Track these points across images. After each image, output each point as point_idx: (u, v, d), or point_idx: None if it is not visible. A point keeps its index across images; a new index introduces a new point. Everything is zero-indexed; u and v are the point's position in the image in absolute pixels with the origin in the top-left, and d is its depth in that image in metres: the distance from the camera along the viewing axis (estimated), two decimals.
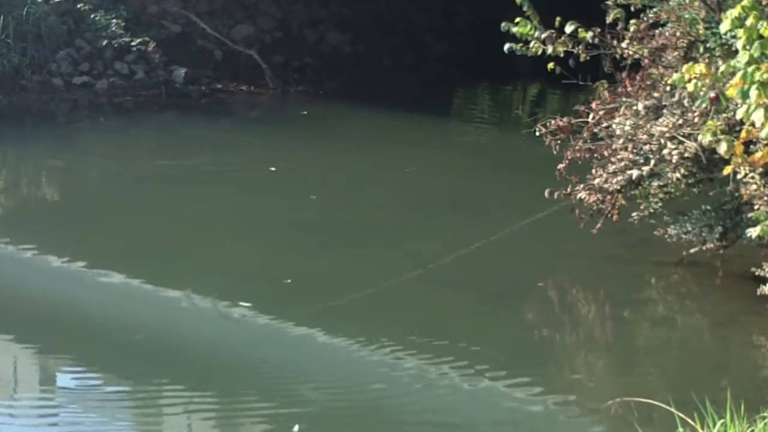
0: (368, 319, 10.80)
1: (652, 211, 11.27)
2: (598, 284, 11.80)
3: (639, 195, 11.25)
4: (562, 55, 10.68)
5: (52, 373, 10.02)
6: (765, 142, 8.19)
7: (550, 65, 10.67)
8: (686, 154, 10.65)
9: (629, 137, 11.00)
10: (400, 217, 13.85)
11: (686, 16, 10.97)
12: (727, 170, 7.98)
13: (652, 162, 10.87)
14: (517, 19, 10.43)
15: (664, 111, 10.88)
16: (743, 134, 7.08)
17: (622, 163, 11.06)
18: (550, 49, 10.59)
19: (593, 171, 11.30)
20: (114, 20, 20.91)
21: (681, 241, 11.46)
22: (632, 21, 11.06)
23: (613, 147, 11.16)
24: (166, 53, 21.07)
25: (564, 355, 10.60)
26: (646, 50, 11.09)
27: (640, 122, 10.91)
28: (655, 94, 11.00)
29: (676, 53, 10.98)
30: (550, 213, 11.34)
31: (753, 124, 6.87)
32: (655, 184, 11.08)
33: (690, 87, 7.23)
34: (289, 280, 11.51)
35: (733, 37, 8.63)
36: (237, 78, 21.43)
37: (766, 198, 10.07)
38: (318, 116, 19.52)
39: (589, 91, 11.74)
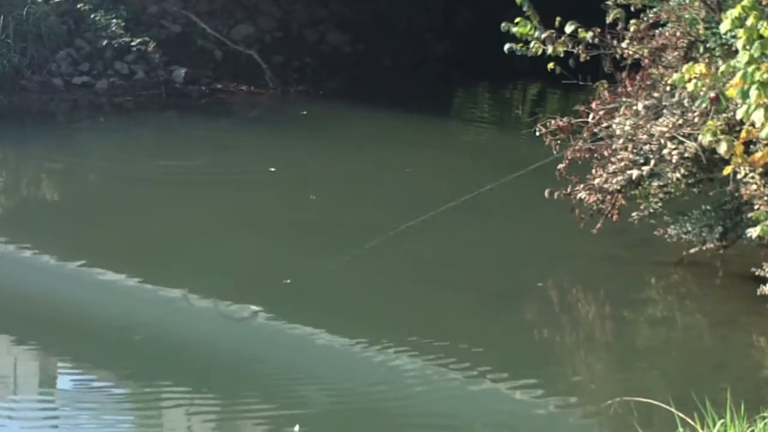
0: (368, 319, 10.80)
1: (652, 211, 11.27)
2: (598, 284, 11.80)
3: (639, 195, 11.25)
4: (562, 55, 10.68)
5: (52, 373, 10.02)
6: (765, 142, 8.19)
7: (550, 65, 10.68)
8: (686, 154, 10.65)
9: (629, 137, 11.00)
10: (400, 217, 13.83)
11: (686, 16, 10.97)
12: (727, 170, 7.99)
13: (652, 162, 10.87)
14: (517, 19, 10.44)
15: (664, 111, 10.88)
16: (743, 134, 7.08)
17: (622, 163, 11.06)
18: (550, 49, 10.59)
19: (593, 171, 11.30)
20: (114, 20, 20.91)
21: (681, 241, 11.46)
22: (632, 21, 11.07)
23: (613, 147, 11.16)
24: (166, 53, 21.07)
25: (564, 355, 10.60)
26: (646, 50, 11.09)
27: (640, 122, 10.91)
28: (655, 94, 10.99)
29: (676, 53, 10.98)
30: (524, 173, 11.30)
31: (753, 124, 6.87)
32: (655, 184, 11.08)
33: (690, 87, 7.24)
34: (288, 281, 11.51)
35: (733, 37, 8.63)
36: (237, 78, 21.42)
37: (766, 198, 10.07)
38: (318, 116, 19.52)
39: (589, 91, 11.74)
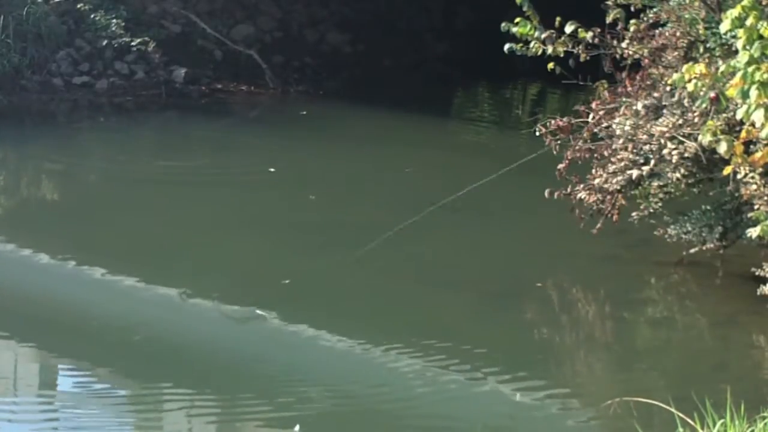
0: (368, 320, 10.80)
1: (652, 211, 11.27)
2: (598, 284, 11.80)
3: (639, 195, 11.25)
4: (562, 55, 10.68)
5: (52, 373, 10.02)
6: (765, 142, 8.19)
7: (550, 65, 10.68)
8: (686, 154, 10.65)
9: (629, 137, 11.00)
10: (400, 218, 13.83)
11: (686, 16, 10.97)
12: (727, 170, 7.99)
13: (652, 162, 10.88)
14: (517, 19, 10.44)
15: (664, 111, 10.88)
16: (743, 134, 7.09)
17: (622, 163, 11.06)
18: (550, 49, 10.60)
19: (593, 171, 11.30)
20: (114, 20, 20.91)
21: (681, 241, 11.46)
22: (632, 21, 11.07)
23: (613, 147, 11.16)
24: (166, 53, 21.07)
25: (564, 355, 10.60)
26: (646, 50, 11.09)
27: (640, 122, 10.91)
28: (655, 94, 11.00)
29: (676, 53, 10.98)
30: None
31: (753, 124, 6.87)
32: (655, 184, 11.08)
33: (690, 87, 7.24)
34: (287, 281, 11.50)
35: (733, 37, 8.63)
36: (237, 78, 21.43)
37: (766, 198, 10.07)
38: (318, 116, 19.52)
39: (589, 91, 11.74)
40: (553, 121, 11.31)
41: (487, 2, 19.33)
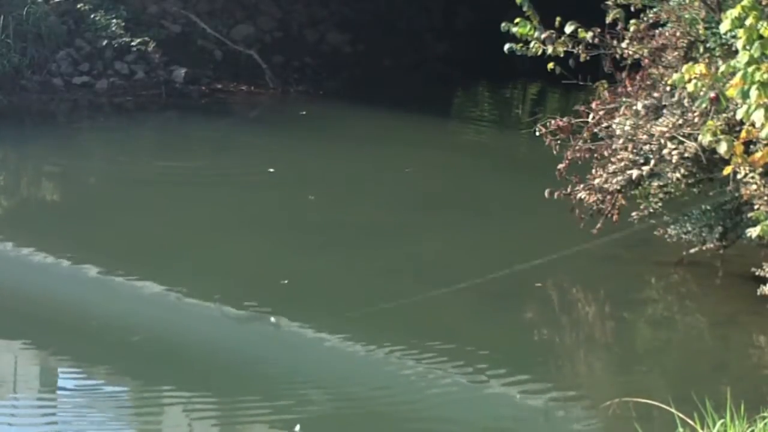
0: (368, 320, 10.79)
1: (652, 211, 11.26)
2: (598, 284, 11.80)
3: (639, 195, 11.25)
4: (562, 55, 10.68)
5: (52, 374, 10.02)
6: (765, 142, 8.19)
7: (550, 65, 10.68)
8: (686, 154, 10.65)
9: (629, 137, 10.99)
10: (400, 218, 13.85)
11: (686, 16, 10.97)
12: (727, 170, 7.98)
13: (652, 162, 10.87)
14: (517, 20, 10.44)
15: (664, 111, 10.88)
16: (743, 134, 7.08)
17: (622, 163, 11.06)
18: (550, 49, 10.59)
19: (593, 171, 11.30)
20: (114, 20, 20.91)
21: (681, 241, 11.46)
22: (632, 21, 11.06)
23: (613, 147, 11.16)
24: (166, 53, 21.07)
25: (564, 355, 10.60)
26: (646, 50, 11.09)
27: (640, 122, 10.91)
28: (655, 94, 10.99)
29: (676, 53, 10.97)
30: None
31: (753, 124, 6.87)
32: (655, 184, 11.08)
33: (690, 87, 7.23)
34: (286, 281, 11.50)
35: (733, 37, 8.63)
36: (237, 78, 21.43)
37: (766, 198, 10.07)
38: (318, 116, 19.52)
39: (589, 91, 11.74)
40: (553, 121, 11.31)
41: (487, 2, 19.33)
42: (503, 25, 10.53)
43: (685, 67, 7.29)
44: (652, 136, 10.80)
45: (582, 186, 11.27)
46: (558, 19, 10.55)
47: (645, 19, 11.15)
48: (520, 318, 11.08)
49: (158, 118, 19.73)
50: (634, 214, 11.31)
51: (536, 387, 9.50)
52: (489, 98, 23.15)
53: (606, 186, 11.16)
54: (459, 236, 13.15)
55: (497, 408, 9.23)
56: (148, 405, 9.26)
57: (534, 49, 10.57)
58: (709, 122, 8.21)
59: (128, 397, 9.37)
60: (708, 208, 11.37)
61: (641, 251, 12.20)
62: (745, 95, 6.73)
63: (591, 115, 11.28)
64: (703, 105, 8.04)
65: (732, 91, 6.81)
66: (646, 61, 11.12)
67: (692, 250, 11.41)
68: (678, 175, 10.78)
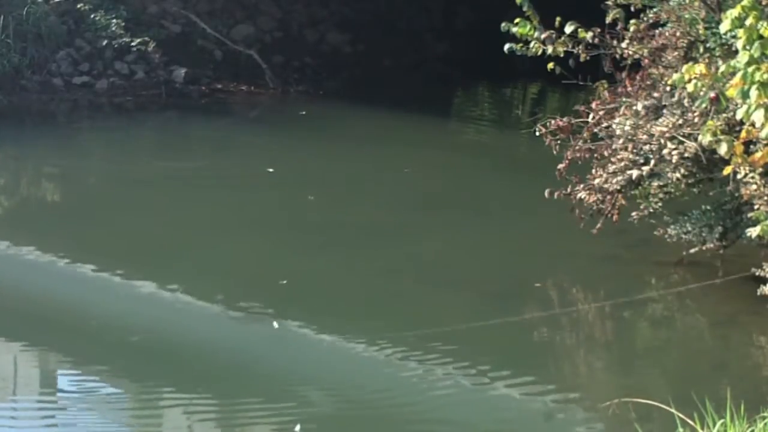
0: (368, 320, 10.79)
1: (652, 211, 11.26)
2: (598, 284, 11.80)
3: (639, 195, 11.25)
4: (562, 56, 10.68)
5: (52, 374, 10.01)
6: (765, 142, 8.19)
7: (550, 65, 10.68)
8: (686, 154, 10.65)
9: (629, 137, 11.00)
10: (400, 218, 13.85)
11: (686, 16, 10.97)
12: (727, 170, 7.99)
13: (652, 162, 10.87)
14: (517, 20, 10.44)
15: (664, 111, 10.88)
16: (743, 134, 7.08)
17: (622, 163, 11.06)
18: (550, 49, 10.60)
19: (593, 171, 11.30)
20: (114, 20, 20.92)
21: (681, 241, 11.46)
22: (632, 21, 11.07)
23: (613, 147, 11.16)
24: (166, 53, 21.08)
25: (564, 355, 10.60)
26: (646, 50, 11.09)
27: (640, 122, 10.91)
28: (655, 94, 10.99)
29: (676, 53, 10.98)
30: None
31: (753, 124, 6.87)
32: (655, 184, 11.08)
33: (690, 87, 7.23)
34: (284, 281, 11.49)
35: (733, 37, 8.63)
36: (237, 78, 21.43)
37: (766, 198, 10.07)
38: (318, 116, 19.53)
39: (589, 91, 11.74)
40: (553, 121, 11.31)
41: (487, 2, 19.33)
42: (503, 25, 10.54)
43: (685, 67, 7.29)
44: (652, 136, 10.80)
45: (582, 186, 11.27)
46: (558, 19, 10.55)
47: (645, 19, 11.15)
48: (521, 318, 11.07)
49: (158, 118, 19.74)
50: (634, 214, 11.31)
51: (536, 387, 9.49)
52: (489, 98, 23.15)
53: (606, 186, 11.16)
54: (459, 236, 13.15)
55: (497, 408, 9.22)
56: (147, 405, 9.25)
57: (534, 49, 10.57)
58: (709, 122, 8.21)
59: (128, 397, 9.36)
60: (708, 208, 11.37)
61: (641, 251, 12.20)
62: (745, 95, 6.73)
63: (591, 115, 11.28)
64: (703, 105, 8.05)
65: (732, 91, 6.82)
66: (646, 61, 11.12)
67: (692, 250, 11.41)
68: (678, 175, 10.78)
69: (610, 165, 11.16)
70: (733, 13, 6.85)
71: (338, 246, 12.79)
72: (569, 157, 11.29)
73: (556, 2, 11.13)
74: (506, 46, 10.64)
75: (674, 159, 10.67)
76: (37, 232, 13.54)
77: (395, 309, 11.05)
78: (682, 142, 10.63)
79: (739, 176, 10.12)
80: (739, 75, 6.73)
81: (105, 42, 20.73)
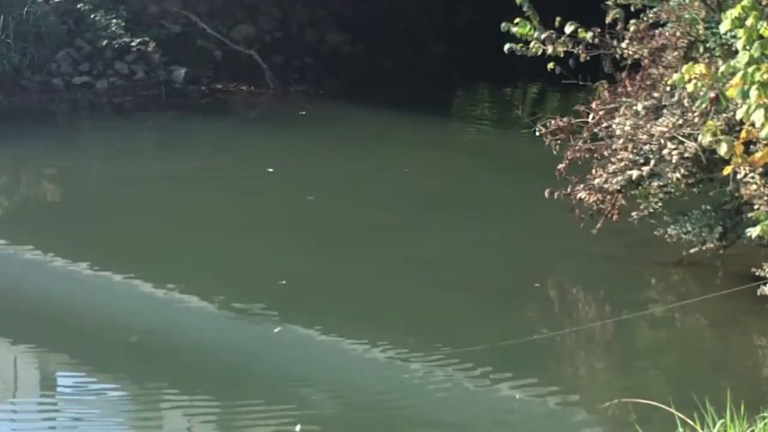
0: (369, 320, 10.79)
1: (652, 211, 11.26)
2: (598, 284, 11.79)
3: (639, 195, 11.25)
4: (562, 56, 10.68)
5: (52, 374, 10.01)
6: (765, 142, 8.19)
7: (550, 65, 10.68)
8: (686, 154, 10.65)
9: (629, 137, 11.00)
10: (400, 218, 13.85)
11: (686, 16, 10.97)
12: (727, 170, 7.99)
13: (652, 162, 10.88)
14: (517, 20, 10.44)
15: (664, 111, 10.88)
16: (743, 134, 7.08)
17: (622, 163, 11.06)
18: (550, 50, 10.60)
19: (593, 171, 11.30)
20: (114, 20, 20.92)
21: (681, 241, 11.46)
22: (632, 21, 11.07)
23: (613, 147, 11.17)
24: (166, 53, 21.08)
25: (564, 355, 10.59)
26: (646, 50, 11.09)
27: (640, 122, 10.91)
28: (655, 94, 11.00)
29: (676, 53, 10.98)
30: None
31: (753, 124, 6.87)
32: (655, 184, 11.08)
33: (690, 87, 7.23)
34: (284, 281, 11.49)
35: (733, 37, 8.63)
36: (237, 78, 21.44)
37: (766, 198, 10.07)
38: (318, 116, 19.53)
39: (589, 91, 11.74)
40: (553, 121, 11.31)
41: (487, 2, 19.33)
42: (503, 25, 10.54)
43: (685, 67, 7.29)
44: (652, 136, 10.80)
45: (582, 186, 11.28)
46: (558, 19, 10.55)
47: (645, 19, 11.15)
48: (521, 317, 11.07)
49: (158, 118, 19.73)
50: (634, 214, 11.31)
51: (536, 387, 9.49)
52: (489, 98, 23.14)
53: (606, 186, 11.16)
54: (459, 236, 13.14)
55: (497, 407, 9.22)
56: (147, 405, 9.25)
57: (534, 49, 10.57)
58: (709, 122, 8.21)
59: (127, 398, 9.36)
60: (708, 208, 11.37)
61: (641, 251, 12.19)
62: (745, 95, 6.73)
63: (591, 115, 11.29)
64: (703, 105, 8.03)
65: (732, 91, 6.82)
66: (646, 61, 11.12)
67: (692, 250, 11.40)
68: (678, 175, 10.78)
69: (610, 165, 11.16)
70: (733, 13, 6.85)
71: (338, 246, 12.79)
72: (569, 157, 11.29)
73: (556, 2, 11.13)
74: (506, 46, 10.65)
75: (674, 159, 10.68)
76: (36, 232, 13.54)
77: (395, 309, 11.05)
78: (682, 142, 10.63)
79: (739, 176, 10.12)
80: (739, 75, 6.73)
81: (105, 42, 20.73)
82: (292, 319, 10.68)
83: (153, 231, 13.36)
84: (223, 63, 21.75)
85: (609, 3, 11.00)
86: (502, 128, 20.21)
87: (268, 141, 17.93)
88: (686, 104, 10.63)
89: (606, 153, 11.25)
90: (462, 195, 15.06)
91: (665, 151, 10.71)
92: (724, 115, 9.86)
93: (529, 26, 10.42)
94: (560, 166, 11.30)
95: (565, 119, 11.34)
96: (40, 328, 10.64)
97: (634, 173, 10.96)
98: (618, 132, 11.09)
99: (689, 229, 11.35)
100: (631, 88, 11.12)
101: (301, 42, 22.96)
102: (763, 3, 7.87)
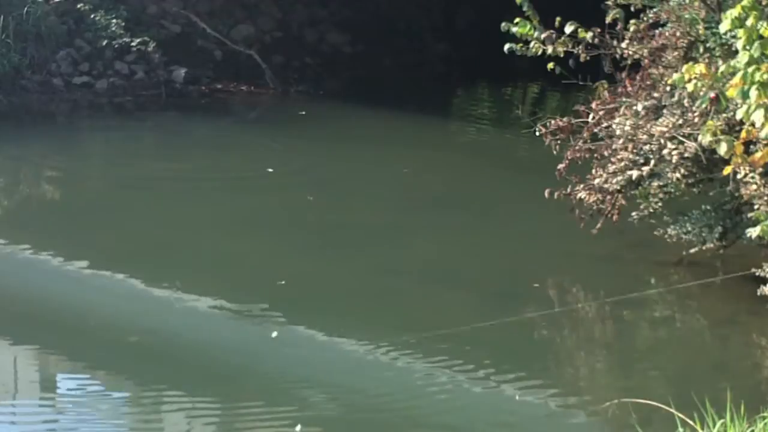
0: (369, 320, 10.79)
1: (652, 211, 11.26)
2: (598, 284, 11.79)
3: (639, 195, 11.25)
4: (562, 56, 10.68)
5: (52, 375, 10.01)
6: (765, 142, 8.19)
7: (550, 65, 10.68)
8: (686, 154, 10.65)
9: (629, 137, 11.00)
10: (400, 218, 13.85)
11: (686, 16, 10.97)
12: (727, 170, 7.98)
13: (652, 162, 10.87)
14: (517, 20, 10.44)
15: (664, 111, 10.88)
16: (743, 134, 7.08)
17: (622, 163, 11.06)
18: (550, 50, 10.60)
19: (593, 171, 11.30)
20: (114, 20, 20.91)
21: (681, 241, 11.45)
22: (632, 21, 11.07)
23: (613, 147, 11.16)
24: (166, 53, 21.07)
25: (564, 355, 10.60)
26: (646, 50, 11.09)
27: (640, 122, 10.91)
28: (655, 94, 10.99)
29: (676, 53, 10.97)
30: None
31: (753, 124, 6.87)
32: (655, 184, 11.08)
33: (690, 87, 7.23)
34: (283, 282, 11.48)
35: (733, 37, 8.63)
36: (237, 78, 21.43)
37: (766, 198, 10.07)
38: (318, 116, 19.52)
39: (589, 91, 11.73)
40: (553, 121, 11.31)
41: (487, 2, 19.33)
42: (503, 25, 10.53)
43: (685, 67, 7.28)
44: (652, 136, 10.80)
45: (582, 186, 11.27)
46: (558, 19, 10.55)
47: (645, 19, 11.15)
48: (521, 318, 11.06)
49: (158, 118, 19.72)
50: (634, 214, 11.31)
51: (536, 388, 9.49)
52: (489, 98, 23.14)
53: (606, 186, 11.16)
54: (459, 236, 13.14)
55: (497, 407, 9.22)
56: (146, 406, 9.24)
57: (534, 49, 10.57)
58: (709, 122, 8.21)
59: (127, 398, 9.35)
60: (708, 208, 11.37)
61: (641, 251, 12.19)
62: (745, 95, 6.72)
63: (591, 115, 11.28)
64: (703, 105, 8.04)
65: (732, 91, 6.81)
66: (646, 61, 11.12)
67: (692, 250, 11.40)
68: (678, 175, 10.78)
69: (610, 165, 11.16)
70: (733, 13, 6.85)
71: (338, 246, 12.79)
72: (569, 157, 11.29)
73: (556, 2, 11.13)
74: (506, 46, 10.64)
75: (674, 159, 10.67)
76: (36, 232, 13.53)
77: (395, 309, 11.05)
78: (682, 142, 10.63)
79: (739, 176, 10.12)
80: (739, 75, 6.73)
81: (105, 42, 20.72)
82: (292, 320, 10.68)
83: (153, 231, 13.36)
84: (223, 63, 21.74)
85: (609, 3, 11.00)
86: (502, 128, 20.20)
87: (268, 141, 17.93)
88: (686, 104, 10.63)
89: (606, 153, 11.25)
90: (462, 195, 15.05)
91: (665, 151, 10.71)
92: (724, 115, 9.86)
93: (529, 26, 10.42)
94: (560, 166, 11.30)
95: (565, 119, 11.34)
96: (40, 329, 10.63)
97: (634, 173, 10.96)
98: (618, 132, 11.09)
99: (689, 229, 11.35)
100: (631, 88, 11.12)
101: (301, 42, 22.96)
102: (763, 3, 7.86)
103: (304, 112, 19.85)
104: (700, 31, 10.82)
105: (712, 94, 7.24)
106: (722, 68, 7.15)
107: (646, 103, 10.91)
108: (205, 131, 18.79)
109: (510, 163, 16.91)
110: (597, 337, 11.12)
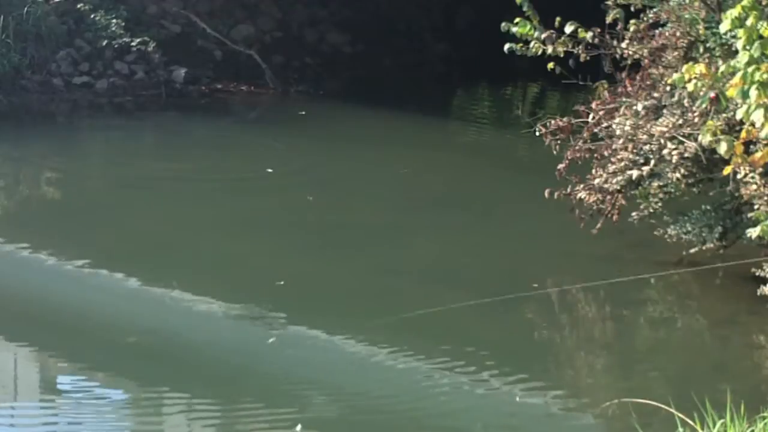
0: (368, 320, 10.78)
1: (652, 211, 11.26)
2: (598, 284, 11.78)
3: (639, 195, 11.25)
4: (562, 56, 10.68)
5: (51, 375, 10.01)
6: (765, 142, 8.19)
7: (550, 65, 10.68)
8: (686, 154, 10.65)
9: (629, 137, 11.00)
10: (400, 218, 13.85)
11: (686, 16, 10.97)
12: (727, 170, 7.98)
13: (652, 162, 10.87)
14: (517, 20, 10.44)
15: (664, 111, 10.88)
16: (743, 134, 7.08)
17: (622, 163, 11.06)
18: (550, 50, 10.60)
19: (593, 171, 11.30)
20: (114, 20, 20.91)
21: (681, 241, 11.45)
22: (632, 21, 11.07)
23: (613, 147, 11.16)
24: (166, 53, 21.06)
25: (564, 355, 10.59)
26: (646, 50, 11.09)
27: (640, 122, 10.91)
28: (655, 94, 10.99)
29: (676, 53, 10.98)
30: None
31: (753, 124, 6.87)
32: (655, 184, 11.08)
33: (690, 87, 7.23)
34: (282, 282, 11.48)
35: (733, 37, 8.63)
36: (237, 78, 21.42)
37: (766, 198, 10.06)
38: (318, 116, 19.52)
39: (589, 91, 11.73)
40: (553, 121, 11.31)
41: (487, 2, 19.33)
42: (503, 25, 10.53)
43: (685, 67, 7.29)
44: (652, 136, 10.80)
45: (582, 186, 11.27)
46: (558, 19, 10.55)
47: (645, 19, 11.15)
48: (521, 318, 11.07)
49: (158, 118, 19.72)
50: (634, 214, 11.31)
51: (537, 387, 9.49)
52: (489, 98, 23.14)
53: (606, 186, 11.16)
54: (459, 236, 13.14)
55: (497, 407, 9.22)
56: (147, 407, 9.24)
57: (534, 49, 10.57)
58: (709, 122, 8.21)
59: (126, 398, 9.35)
60: (708, 208, 11.37)
61: (641, 251, 12.19)
62: (745, 95, 6.72)
63: (591, 115, 11.28)
64: (703, 105, 8.04)
65: (732, 91, 6.81)
66: (646, 61, 11.12)
67: (692, 250, 11.40)
68: (678, 175, 10.77)
69: (610, 165, 11.16)
70: (733, 13, 6.85)
71: (338, 246, 12.79)
72: (569, 157, 11.29)
73: (556, 2, 11.13)
74: (506, 46, 10.65)
75: (674, 159, 10.67)
76: (36, 231, 13.53)
77: (395, 310, 11.04)
78: (682, 142, 10.63)
79: (739, 176, 10.12)
80: (739, 75, 6.73)
81: (105, 42, 20.72)
82: (292, 320, 10.68)
83: (153, 231, 13.36)
84: (223, 63, 21.74)
85: (609, 3, 11.00)
86: (502, 128, 20.21)
87: (268, 141, 17.93)
88: (686, 104, 10.63)
89: (606, 153, 11.25)
90: (462, 195, 15.05)
91: (665, 151, 10.71)
92: (724, 115, 9.86)
93: (529, 26, 10.42)
94: (560, 166, 11.30)
95: (565, 119, 11.34)
96: (40, 329, 10.63)
97: (634, 173, 10.96)
98: (618, 132, 11.09)
99: (689, 229, 11.35)
100: (631, 88, 11.12)
101: (301, 42, 22.96)
102: (763, 3, 7.86)
103: (304, 112, 19.85)
104: (700, 31, 10.83)
105: (712, 94, 7.24)
106: (722, 68, 7.15)
107: (646, 103, 10.91)
108: (205, 131, 18.79)
109: (510, 163, 16.91)
110: (597, 337, 11.12)
